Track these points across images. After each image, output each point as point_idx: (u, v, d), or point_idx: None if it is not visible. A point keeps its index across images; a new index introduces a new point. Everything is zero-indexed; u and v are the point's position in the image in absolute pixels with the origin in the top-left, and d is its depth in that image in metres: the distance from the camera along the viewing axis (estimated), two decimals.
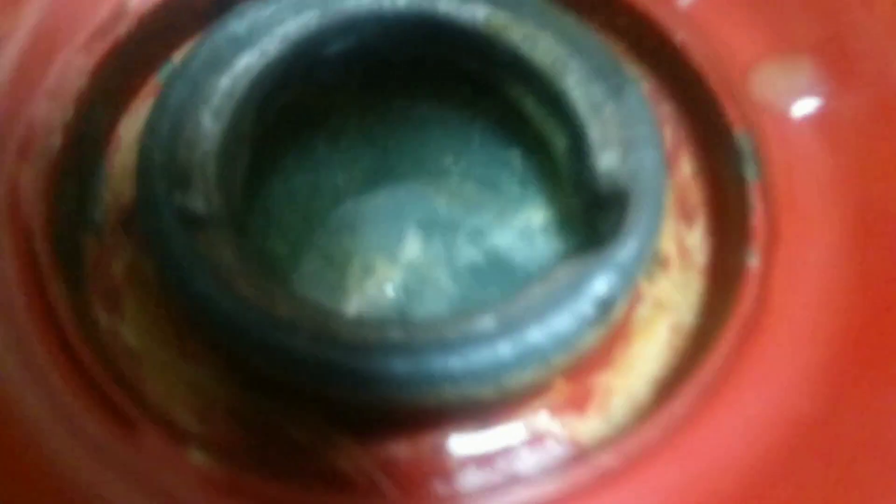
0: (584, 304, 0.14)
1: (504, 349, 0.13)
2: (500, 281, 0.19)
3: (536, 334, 0.14)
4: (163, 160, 0.15)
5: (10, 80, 0.16)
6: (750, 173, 0.16)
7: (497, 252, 0.20)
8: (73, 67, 0.16)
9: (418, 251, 0.20)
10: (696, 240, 0.17)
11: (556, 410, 0.15)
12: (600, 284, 0.14)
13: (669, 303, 0.16)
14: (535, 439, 0.15)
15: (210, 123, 0.16)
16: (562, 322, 0.14)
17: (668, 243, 0.17)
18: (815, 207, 0.15)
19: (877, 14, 0.17)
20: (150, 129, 0.16)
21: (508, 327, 0.14)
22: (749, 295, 0.15)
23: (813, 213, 0.15)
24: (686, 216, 0.18)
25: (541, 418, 0.15)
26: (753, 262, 0.15)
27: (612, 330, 0.15)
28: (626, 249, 0.14)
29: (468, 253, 0.20)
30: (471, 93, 0.21)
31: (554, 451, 0.15)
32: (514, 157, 0.21)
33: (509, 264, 0.20)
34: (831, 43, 0.17)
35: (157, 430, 0.13)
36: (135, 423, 0.13)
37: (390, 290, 0.20)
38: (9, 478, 0.12)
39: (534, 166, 0.21)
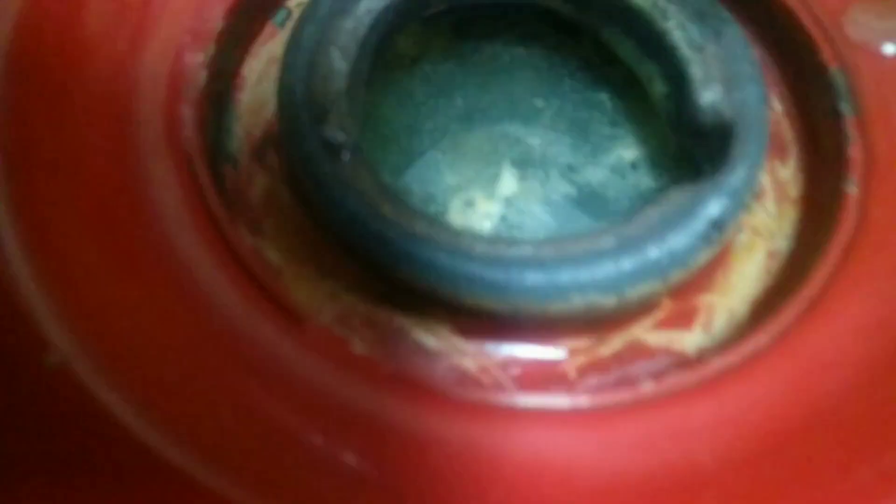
0: (700, 224, 0.15)
1: (629, 262, 0.15)
2: (594, 214, 0.21)
3: (655, 251, 0.15)
4: (303, 95, 0.17)
5: (162, 23, 0.17)
6: (846, 108, 0.17)
7: (590, 187, 0.21)
8: (211, 10, 0.18)
9: (515, 187, 0.22)
10: (790, 174, 0.18)
11: (664, 325, 0.16)
12: (713, 207, 0.15)
13: (766, 231, 0.18)
14: (645, 350, 0.16)
15: (340, 62, 0.17)
16: (679, 240, 0.15)
17: (762, 176, 0.18)
18: None
19: None
20: (288, 66, 0.17)
21: (628, 244, 0.15)
22: (849, 221, 0.16)
23: None
24: (779, 152, 0.19)
25: (650, 332, 0.16)
26: (853, 190, 0.16)
27: (717, 252, 0.16)
28: (735, 175, 0.16)
29: (562, 188, 0.22)
30: (562, 37, 0.22)
31: (662, 360, 0.16)
32: (604, 98, 0.22)
33: (602, 198, 0.21)
34: None
35: (321, 326, 0.14)
36: (302, 318, 0.14)
37: (490, 224, 0.21)
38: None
39: (624, 107, 0.22)
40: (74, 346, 0.12)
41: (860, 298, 0.15)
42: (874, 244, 0.15)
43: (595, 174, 0.22)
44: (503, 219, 0.21)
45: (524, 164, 0.22)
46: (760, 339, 0.15)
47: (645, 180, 0.21)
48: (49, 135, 0.15)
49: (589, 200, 0.21)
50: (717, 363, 0.15)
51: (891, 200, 0.16)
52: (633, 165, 0.21)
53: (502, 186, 0.22)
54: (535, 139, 0.22)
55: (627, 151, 0.22)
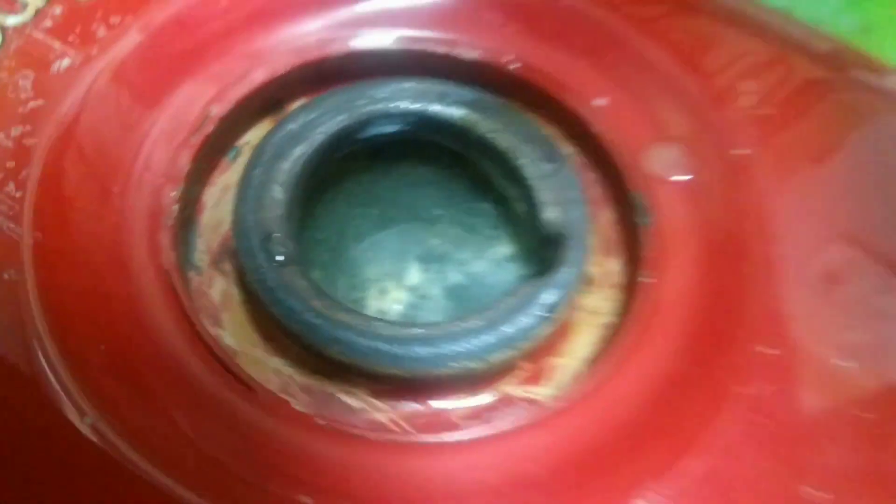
0: (539, 309, 0.22)
1: (488, 338, 0.21)
2: (480, 296, 0.27)
3: (508, 329, 0.21)
4: (252, 222, 0.23)
5: (141, 165, 0.23)
6: (643, 220, 0.24)
7: (477, 276, 0.28)
8: (181, 156, 0.24)
9: (419, 278, 0.28)
10: (614, 267, 0.25)
11: (523, 382, 0.23)
12: (548, 296, 0.22)
13: (597, 310, 0.24)
14: (511, 400, 0.22)
15: (280, 194, 0.24)
16: (525, 321, 0.21)
17: (595, 269, 0.25)
18: (685, 243, 0.23)
19: (724, 114, 0.25)
20: (240, 199, 0.23)
21: (491, 324, 0.21)
22: (645, 301, 0.22)
23: (683, 246, 0.23)
24: (607, 250, 0.25)
25: (514, 387, 0.22)
26: (645, 279, 0.23)
27: (557, 327, 0.23)
28: (564, 274, 0.22)
29: (455, 277, 0.28)
30: (453, 164, 0.28)
31: (523, 407, 0.22)
32: (486, 208, 0.29)
33: (485, 284, 0.28)
34: (695, 134, 0.25)
35: (268, 392, 0.20)
36: (253, 387, 0.20)
37: (400, 307, 0.27)
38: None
39: (501, 215, 0.28)
40: (97, 411, 0.17)
41: (645, 360, 0.21)
42: (658, 319, 0.22)
43: (480, 266, 0.28)
44: (409, 304, 0.27)
45: (427, 259, 0.28)
46: (583, 388, 0.21)
47: (518, 269, 0.28)
48: (68, 254, 0.21)
49: (475, 286, 0.28)
50: (553, 406, 0.21)
51: (671, 288, 0.23)
52: (509, 259, 0.28)
53: (409, 277, 0.28)
54: (436, 239, 0.29)
55: (504, 248, 0.28)
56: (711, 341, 0.21)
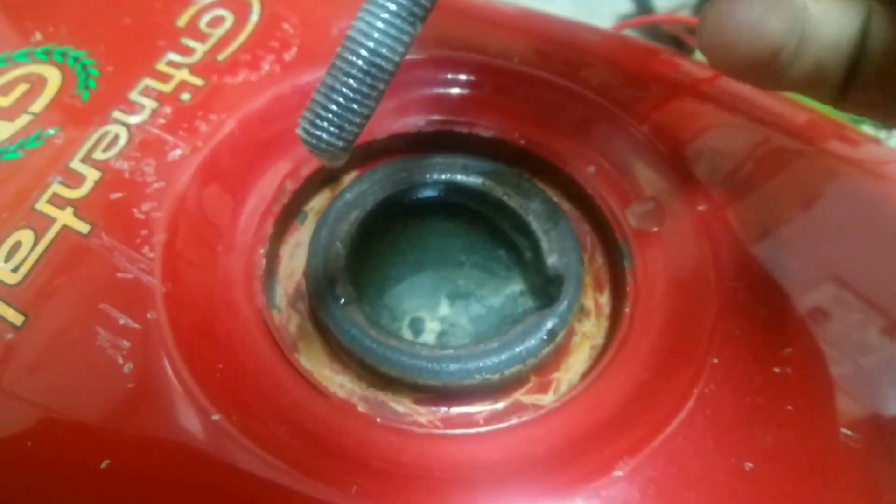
0: (542, 334, 0.28)
1: (503, 356, 0.27)
2: (496, 324, 0.34)
3: (519, 349, 0.28)
4: (320, 271, 0.30)
5: (238, 230, 0.30)
6: (627, 263, 0.31)
7: (494, 308, 0.34)
8: (266, 222, 0.31)
9: (448, 310, 0.35)
10: (605, 300, 0.32)
11: (532, 391, 0.29)
12: (550, 324, 0.28)
13: (591, 334, 0.31)
14: (522, 406, 0.29)
15: (341, 250, 0.31)
16: (531, 343, 0.28)
17: (589, 302, 0.31)
18: (657, 280, 0.30)
19: (691, 177, 0.32)
20: (312, 253, 0.30)
21: (505, 346, 0.28)
22: (624, 328, 0.29)
23: (656, 283, 0.30)
24: (600, 287, 0.32)
25: (524, 395, 0.29)
26: (627, 310, 0.29)
27: (558, 348, 0.29)
28: (562, 307, 0.29)
29: (477, 310, 0.35)
30: (475, 220, 0.35)
31: (531, 410, 0.28)
32: (502, 255, 0.35)
33: (501, 315, 0.34)
34: (662, 195, 0.32)
35: (338, 399, 0.26)
36: (327, 396, 0.26)
37: (434, 335, 0.34)
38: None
39: (513, 260, 0.35)
40: (223, 410, 0.24)
41: (626, 371, 0.28)
42: (636, 340, 0.28)
43: (497, 300, 0.35)
44: (441, 331, 0.34)
45: (454, 296, 0.35)
46: (575, 392, 0.27)
47: (527, 303, 0.34)
48: (189, 298, 0.28)
49: (493, 316, 0.34)
50: (550, 406, 0.27)
51: (646, 317, 0.29)
52: (520, 294, 0.35)
53: (440, 310, 0.35)
54: (461, 280, 0.36)
55: (516, 286, 0.35)
56: (676, 355, 0.27)
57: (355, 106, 0.21)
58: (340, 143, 0.21)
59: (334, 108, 0.21)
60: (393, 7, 0.20)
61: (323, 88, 0.21)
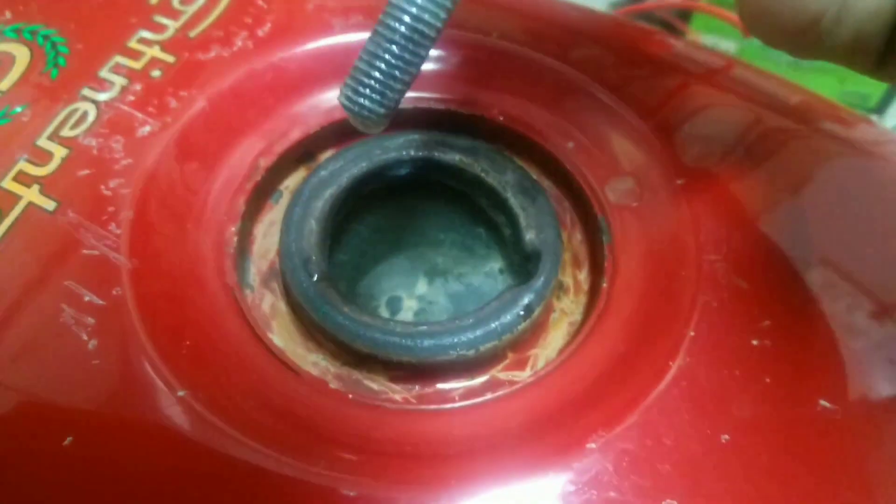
0: (518, 309, 0.28)
1: (478, 332, 0.27)
2: (475, 303, 0.33)
3: (494, 324, 0.27)
4: (294, 248, 0.29)
5: (209, 207, 0.30)
6: (606, 239, 0.30)
7: (473, 286, 0.34)
8: (238, 199, 0.30)
9: (426, 288, 0.34)
10: (583, 276, 0.31)
11: (508, 368, 0.28)
12: (526, 299, 0.28)
13: (569, 310, 0.30)
14: (499, 383, 0.28)
15: (315, 227, 0.30)
16: (507, 318, 0.27)
17: (567, 279, 0.31)
18: (636, 255, 0.29)
19: (670, 152, 0.31)
20: (285, 231, 0.30)
21: (480, 322, 0.27)
22: (602, 302, 0.28)
23: (635, 258, 0.29)
24: (578, 264, 0.32)
25: (501, 372, 0.28)
26: (605, 285, 0.29)
27: (536, 324, 0.29)
28: (539, 282, 0.28)
29: (455, 287, 0.34)
30: (453, 198, 0.35)
31: (505, 387, 0.28)
32: (480, 233, 0.35)
33: (480, 293, 0.34)
34: (641, 170, 0.31)
35: (308, 374, 0.26)
36: (299, 373, 0.26)
37: (412, 312, 0.33)
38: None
39: (492, 238, 0.35)
40: (189, 386, 0.24)
41: (602, 346, 0.27)
42: (613, 315, 0.28)
43: (476, 278, 0.34)
44: (419, 309, 0.34)
45: (432, 273, 0.35)
46: (552, 366, 0.27)
47: (506, 280, 0.34)
48: (157, 275, 0.27)
49: (472, 294, 0.34)
50: (526, 381, 0.27)
51: (624, 291, 0.28)
52: (499, 272, 0.34)
53: (418, 288, 0.34)
54: (440, 258, 0.35)
55: (495, 264, 0.34)
56: (653, 329, 0.27)
57: (397, 73, 0.21)
58: (382, 110, 0.21)
59: (377, 74, 0.21)
60: None
61: (365, 55, 0.21)
